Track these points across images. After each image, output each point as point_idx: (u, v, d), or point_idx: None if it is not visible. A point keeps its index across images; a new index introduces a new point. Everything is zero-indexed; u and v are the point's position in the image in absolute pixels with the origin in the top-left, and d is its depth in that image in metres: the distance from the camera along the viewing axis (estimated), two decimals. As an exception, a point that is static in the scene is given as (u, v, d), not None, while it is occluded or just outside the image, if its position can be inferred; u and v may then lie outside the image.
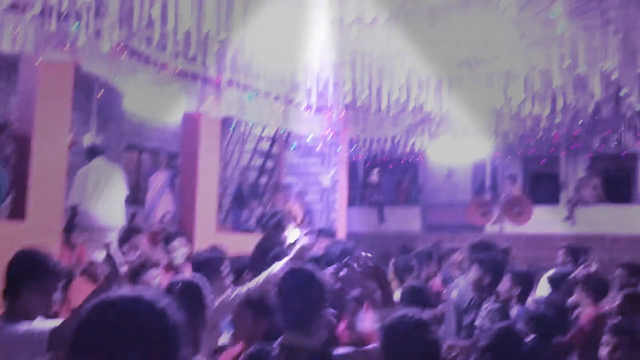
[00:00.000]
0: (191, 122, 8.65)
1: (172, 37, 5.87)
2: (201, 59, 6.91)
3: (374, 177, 15.36)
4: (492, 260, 4.81)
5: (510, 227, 12.57)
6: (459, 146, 12.07)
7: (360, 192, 15.62)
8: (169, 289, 3.16)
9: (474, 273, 4.75)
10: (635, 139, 11.40)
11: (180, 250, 5.84)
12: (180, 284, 3.19)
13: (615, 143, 11.48)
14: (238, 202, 10.80)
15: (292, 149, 11.35)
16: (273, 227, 5.82)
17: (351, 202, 14.59)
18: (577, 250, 8.15)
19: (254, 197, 10.86)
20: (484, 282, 4.63)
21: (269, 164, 11.72)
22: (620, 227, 12.17)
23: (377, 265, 3.13)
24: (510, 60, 6.78)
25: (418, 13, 5.94)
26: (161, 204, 9.22)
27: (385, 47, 6.40)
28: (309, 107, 9.23)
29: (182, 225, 8.67)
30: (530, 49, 6.21)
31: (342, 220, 11.20)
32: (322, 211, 11.45)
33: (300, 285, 2.77)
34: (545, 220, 12.67)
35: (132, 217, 8.32)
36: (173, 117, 9.63)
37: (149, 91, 8.38)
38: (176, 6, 4.90)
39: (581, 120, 9.79)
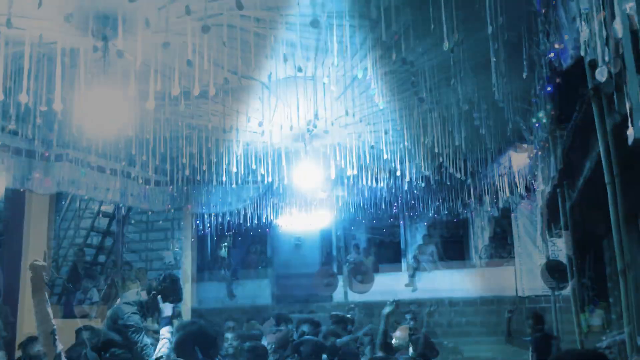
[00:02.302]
0: (15, 199, 8.05)
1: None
2: (23, 132, 6.50)
3: (223, 251, 15.13)
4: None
5: (356, 295, 12.85)
6: (304, 217, 12.29)
7: (208, 267, 15.29)
8: None
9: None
10: (464, 206, 12.31)
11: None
12: None
13: (447, 211, 12.31)
14: (72, 283, 10.08)
15: (131, 224, 10.93)
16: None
17: (200, 278, 14.22)
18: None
19: (90, 277, 10.20)
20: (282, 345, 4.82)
21: (108, 241, 11.13)
22: (456, 292, 12.89)
23: None
24: (340, 134, 7.09)
25: (249, 87, 6.06)
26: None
27: (220, 120, 6.42)
28: (147, 181, 8.98)
29: (6, 307, 7.90)
30: (357, 124, 6.54)
31: (187, 297, 10.81)
32: (165, 288, 11.00)
33: None
34: (388, 287, 13.12)
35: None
36: (-4, 194, 8.94)
37: (-33, 166, 7.72)
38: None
39: (415, 191, 10.43)
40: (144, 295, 4.73)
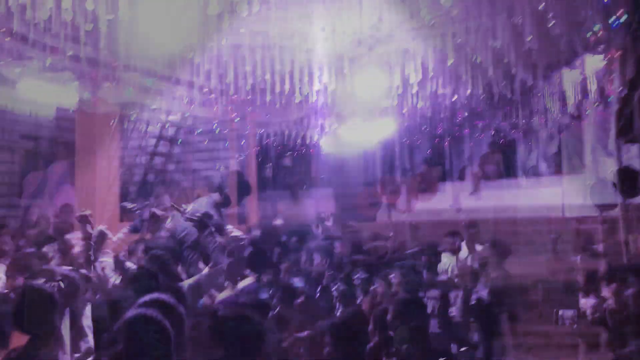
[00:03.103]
0: (87, 109, 8.32)
1: (57, 18, 5.60)
2: (92, 42, 6.60)
3: (287, 160, 15.29)
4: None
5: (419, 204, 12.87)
6: (367, 127, 12.21)
7: (273, 175, 15.56)
8: None
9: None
10: (533, 113, 11.91)
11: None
12: None
13: (514, 119, 11.95)
14: (144, 190, 10.52)
15: (197, 133, 11.14)
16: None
17: (264, 186, 14.55)
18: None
19: (161, 184, 10.60)
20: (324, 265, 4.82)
21: (176, 149, 11.46)
22: (522, 200, 12.71)
23: None
24: (405, 39, 6.89)
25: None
26: (60, 195, 8.84)
27: (282, 26, 6.34)
28: (211, 90, 9.06)
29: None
30: (423, 28, 6.32)
31: (253, 204, 11.13)
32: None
33: None
34: (452, 196, 13.07)
35: (26, 210, 7.92)
36: (69, 104, 9.24)
37: (41, 77, 7.99)
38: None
39: (481, 98, 10.13)
40: (217, 197, 4.94)
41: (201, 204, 5.01)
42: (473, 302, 5.79)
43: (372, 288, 3.40)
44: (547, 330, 8.49)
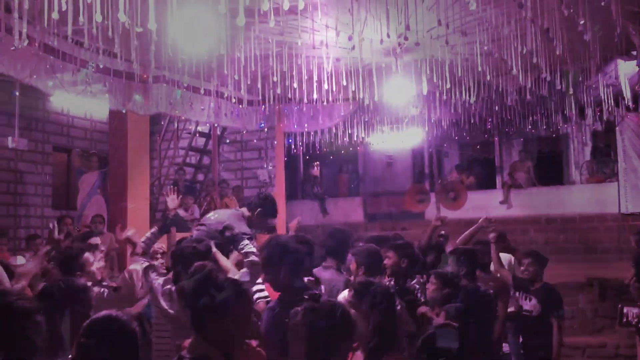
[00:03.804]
0: (118, 120, 8.44)
1: (87, 32, 5.69)
2: (122, 55, 6.69)
3: (315, 169, 15.34)
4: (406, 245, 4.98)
5: (448, 213, 12.74)
6: (396, 135, 12.19)
7: (301, 185, 15.61)
8: None
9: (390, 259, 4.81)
10: (564, 121, 11.73)
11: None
12: None
13: (545, 126, 11.79)
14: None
15: (226, 143, 11.23)
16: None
17: (293, 195, 14.58)
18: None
19: (190, 194, 10.69)
20: (402, 265, 4.76)
21: (205, 160, 11.56)
22: (554, 209, 12.52)
23: None
24: (433, 47, 6.84)
25: (338, 0, 5.91)
26: (92, 206, 8.97)
27: (309, 36, 6.34)
28: (240, 101, 9.12)
29: (114, 226, 8.46)
30: (451, 35, 6.26)
31: (281, 214, 11.13)
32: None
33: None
34: (482, 205, 12.92)
35: (59, 220, 8.05)
36: (101, 116, 9.41)
37: (73, 90, 8.12)
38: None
39: (510, 105, 10.01)
40: (246, 212, 5.00)
41: (222, 215, 5.04)
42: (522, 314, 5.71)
43: (371, 288, 3.30)
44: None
